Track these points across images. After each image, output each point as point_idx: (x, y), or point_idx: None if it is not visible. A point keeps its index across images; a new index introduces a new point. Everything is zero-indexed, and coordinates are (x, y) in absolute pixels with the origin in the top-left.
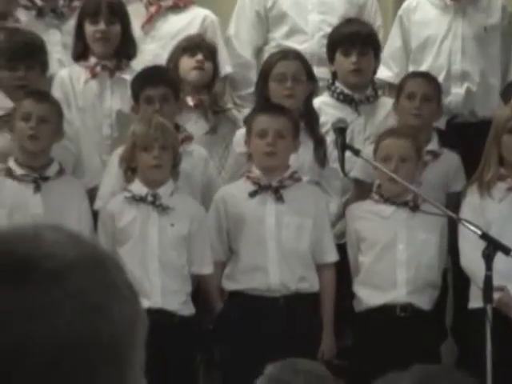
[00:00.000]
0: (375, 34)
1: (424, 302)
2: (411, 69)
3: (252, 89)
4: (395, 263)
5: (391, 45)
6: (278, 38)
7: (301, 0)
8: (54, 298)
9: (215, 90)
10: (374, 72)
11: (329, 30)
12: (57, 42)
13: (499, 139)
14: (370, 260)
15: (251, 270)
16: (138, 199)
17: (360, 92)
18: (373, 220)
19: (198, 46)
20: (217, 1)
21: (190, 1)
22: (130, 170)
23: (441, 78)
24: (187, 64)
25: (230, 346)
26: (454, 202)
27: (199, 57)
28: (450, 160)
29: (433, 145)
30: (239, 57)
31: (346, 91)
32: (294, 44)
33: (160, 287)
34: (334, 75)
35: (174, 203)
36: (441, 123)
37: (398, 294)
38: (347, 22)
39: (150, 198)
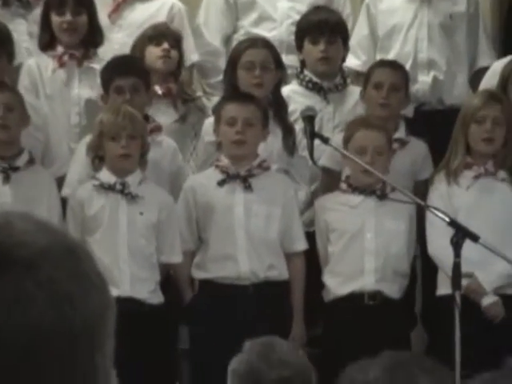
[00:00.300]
0: (344, 22)
1: (393, 290)
2: (378, 57)
3: (221, 77)
4: (363, 252)
5: (358, 33)
6: (247, 26)
7: None
8: (26, 287)
9: (182, 78)
10: (343, 60)
11: (298, 17)
12: (23, 31)
13: (467, 128)
14: (339, 249)
15: (221, 259)
16: (107, 187)
17: (329, 80)
18: (341, 210)
19: (163, 34)
20: None
21: None
22: (98, 158)
23: (408, 66)
24: (153, 53)
25: (201, 334)
26: (421, 189)
27: (165, 45)
28: (418, 148)
29: (400, 133)
30: (208, 45)
31: (315, 79)
32: (263, 31)
33: (129, 275)
34: (303, 63)
35: (143, 192)
36: (408, 111)
37: (365, 282)
38: (315, 9)
39: (118, 187)
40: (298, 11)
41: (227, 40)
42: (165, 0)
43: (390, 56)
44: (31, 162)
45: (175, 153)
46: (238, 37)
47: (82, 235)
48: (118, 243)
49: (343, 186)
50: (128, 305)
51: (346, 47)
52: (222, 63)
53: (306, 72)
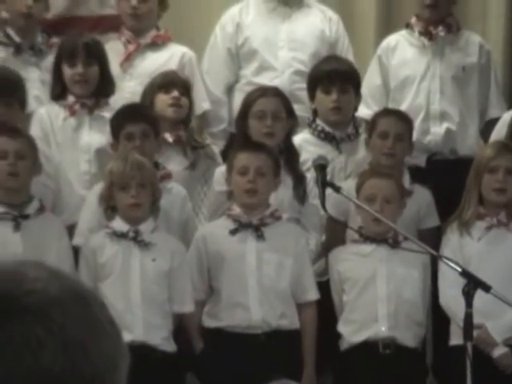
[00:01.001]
0: (355, 70)
1: (407, 338)
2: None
3: (223, 126)
4: (376, 299)
5: (370, 83)
6: (249, 75)
7: (271, 37)
8: (37, 333)
9: (192, 126)
10: (355, 109)
11: (299, 66)
12: (35, 78)
13: (480, 178)
14: (352, 297)
15: (232, 307)
16: (120, 235)
17: (341, 130)
18: (354, 260)
19: (173, 82)
20: (194, 37)
21: (167, 38)
22: (110, 208)
23: (420, 118)
24: (163, 101)
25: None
26: (425, 238)
27: (175, 93)
28: (422, 196)
29: (404, 182)
30: (211, 94)
31: (327, 129)
32: (265, 81)
33: (142, 321)
34: (315, 112)
35: (156, 239)
36: (420, 161)
37: (378, 329)
38: (327, 58)
39: (131, 234)
40: (300, 60)
41: (229, 89)
42: (176, 49)
43: (402, 107)
44: (41, 209)
45: (185, 200)
46: (241, 86)
47: (95, 282)
48: (131, 289)
49: (355, 236)
50: (141, 350)
51: (357, 96)
52: (224, 112)
53: (318, 121)
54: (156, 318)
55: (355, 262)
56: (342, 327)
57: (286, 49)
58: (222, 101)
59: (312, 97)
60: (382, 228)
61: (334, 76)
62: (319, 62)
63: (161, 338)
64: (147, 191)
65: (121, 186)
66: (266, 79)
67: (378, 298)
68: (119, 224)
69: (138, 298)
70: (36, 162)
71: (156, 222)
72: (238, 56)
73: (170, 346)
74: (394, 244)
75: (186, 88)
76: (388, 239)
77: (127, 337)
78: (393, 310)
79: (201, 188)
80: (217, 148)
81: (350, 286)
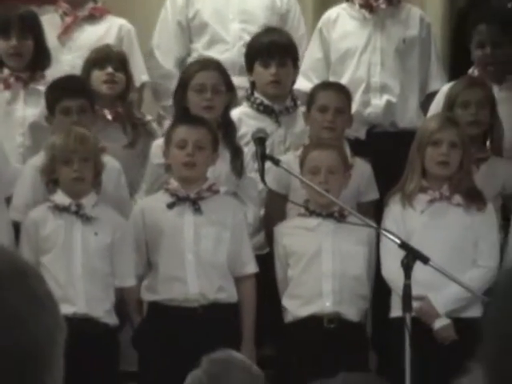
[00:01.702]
0: (294, 43)
1: (352, 313)
2: (331, 80)
3: None
4: (321, 274)
5: (311, 56)
6: (200, 48)
7: (222, 9)
8: None
9: (131, 101)
10: (293, 83)
11: (250, 38)
12: None
13: (423, 151)
14: (297, 272)
15: (170, 281)
16: (62, 209)
17: (279, 103)
18: (299, 234)
19: (107, 58)
20: (134, 10)
21: (105, 11)
22: (52, 181)
23: (360, 90)
24: (98, 77)
25: (149, 357)
26: (365, 211)
27: (109, 69)
28: (362, 169)
29: None
30: (161, 67)
31: (266, 102)
32: (215, 54)
33: (84, 294)
34: (253, 85)
35: (98, 213)
36: (361, 133)
37: (323, 305)
38: (265, 31)
39: (73, 208)
40: (250, 32)
41: (181, 63)
42: (113, 21)
43: (343, 80)
44: None
45: (119, 174)
46: (192, 59)
47: (37, 256)
48: (73, 263)
49: (296, 209)
50: (83, 323)
51: (295, 69)
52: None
53: (256, 94)
54: (98, 291)
55: (301, 237)
56: (286, 301)
57: (236, 21)
58: (174, 74)
59: (250, 69)
60: (327, 199)
61: (273, 49)
62: (257, 34)
63: (103, 311)
64: (90, 165)
65: (63, 159)
66: (216, 52)
67: (322, 273)
68: (61, 198)
69: (79, 272)
70: None
71: (98, 195)
72: (189, 29)
73: (112, 319)
74: (340, 218)
75: (121, 62)
76: (334, 213)
77: (69, 309)
78: (337, 286)
79: (140, 165)
80: (166, 122)
81: (295, 260)
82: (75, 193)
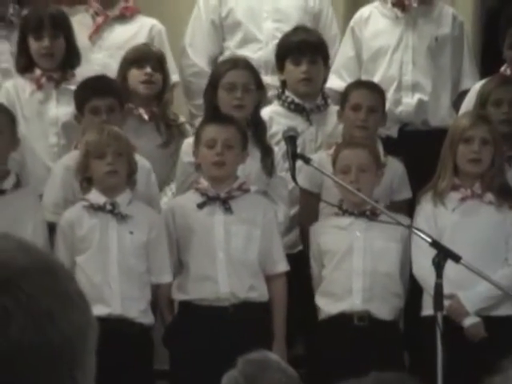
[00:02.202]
0: (324, 41)
1: (383, 311)
2: (363, 79)
3: None
4: (351, 272)
5: (343, 55)
6: (233, 47)
7: (255, 8)
8: (5, 305)
9: (165, 100)
10: (324, 81)
11: None
12: (5, 51)
13: (455, 149)
14: (329, 270)
15: (200, 280)
16: (97, 208)
17: (310, 101)
18: (332, 233)
19: (146, 57)
20: (164, 10)
21: (136, 10)
22: (86, 180)
23: (392, 89)
24: (136, 77)
25: (181, 357)
26: (398, 210)
27: (147, 69)
28: (395, 168)
29: None
30: (194, 66)
31: (297, 100)
32: (249, 52)
33: (119, 294)
34: (284, 84)
35: (133, 211)
36: (392, 131)
37: (353, 302)
38: (296, 30)
39: (108, 207)
40: (283, 32)
41: (213, 61)
42: (144, 21)
43: (375, 79)
44: (18, 184)
45: (149, 174)
46: (224, 58)
47: (72, 255)
48: (109, 262)
49: (329, 208)
50: (118, 324)
51: (326, 67)
52: None
53: (287, 93)
54: (134, 291)
55: (333, 235)
56: (319, 299)
57: (270, 20)
58: (206, 73)
59: (281, 68)
60: (359, 198)
61: (303, 47)
62: (288, 33)
63: (138, 311)
64: (123, 160)
65: (97, 154)
66: (249, 51)
67: (353, 271)
68: (96, 196)
69: (115, 272)
70: (13, 137)
71: (132, 193)
72: (222, 27)
73: (148, 318)
74: (372, 216)
75: (159, 62)
76: (366, 211)
77: (105, 310)
78: (368, 284)
79: (173, 165)
80: (198, 120)
81: (329, 259)
82: (109, 188)
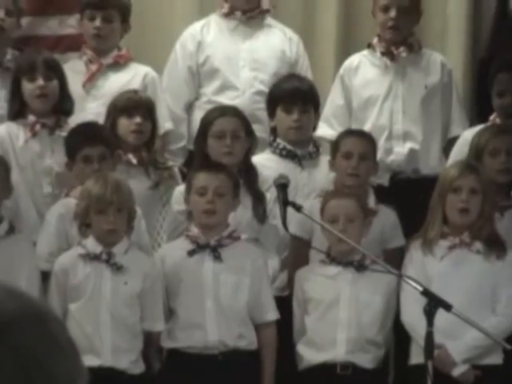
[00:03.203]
0: (315, 89)
1: (366, 360)
2: (354, 127)
3: (182, 143)
4: (336, 322)
5: (333, 103)
6: (210, 94)
7: (232, 56)
8: None
9: (155, 148)
10: (314, 128)
11: (260, 86)
12: (1, 97)
13: (444, 198)
14: (314, 319)
15: (189, 328)
16: (92, 257)
17: (302, 148)
18: (318, 281)
19: (136, 106)
20: (155, 56)
21: (129, 58)
22: (85, 225)
23: (383, 138)
24: (126, 126)
25: None
26: (391, 258)
27: (137, 119)
28: (387, 216)
29: (369, 202)
30: (170, 111)
31: (289, 147)
32: (226, 100)
33: (110, 345)
34: (274, 130)
35: (128, 261)
36: (384, 180)
37: (337, 353)
38: (288, 77)
39: (104, 257)
40: (261, 80)
41: (189, 107)
42: (138, 69)
43: (366, 127)
44: (11, 230)
45: (139, 219)
46: (200, 104)
47: (65, 303)
48: (101, 313)
49: (319, 254)
50: (109, 375)
51: (316, 115)
52: (184, 130)
53: (278, 140)
54: (125, 342)
55: (320, 284)
56: (301, 348)
57: (247, 68)
58: (182, 118)
59: (271, 115)
60: (347, 247)
61: (295, 95)
62: (280, 80)
63: (129, 362)
64: (124, 215)
65: (98, 209)
66: (227, 98)
67: (338, 322)
68: (92, 245)
69: (107, 322)
70: (7, 185)
71: (129, 241)
72: (199, 74)
73: (138, 368)
74: (360, 267)
75: (149, 110)
76: (354, 262)
77: (95, 361)
78: (352, 335)
79: (162, 208)
80: (175, 166)
81: (313, 307)
82: (108, 243)
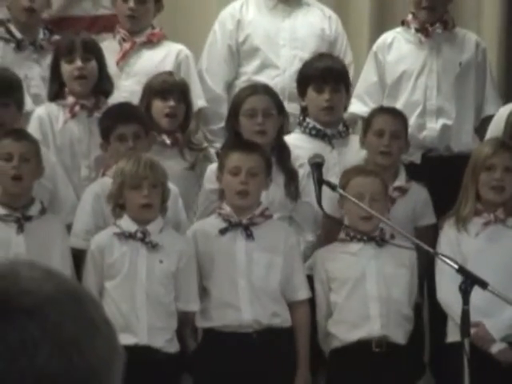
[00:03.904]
0: (346, 70)
1: (399, 335)
2: (387, 104)
3: (223, 123)
4: (367, 298)
5: (366, 80)
6: (250, 73)
7: (273, 35)
8: (32, 333)
9: (190, 129)
10: (345, 108)
11: (300, 65)
12: (36, 75)
13: (477, 176)
14: (343, 297)
15: (223, 307)
16: (127, 236)
17: (332, 128)
18: (341, 259)
19: (170, 90)
20: (190, 35)
21: (163, 36)
22: (119, 206)
23: (416, 114)
24: (160, 109)
25: (206, 383)
26: (423, 235)
27: (171, 102)
28: (418, 194)
29: (400, 180)
30: (210, 91)
31: (318, 126)
32: (266, 79)
33: (146, 324)
34: (304, 110)
35: (163, 240)
36: (416, 157)
37: (371, 329)
38: (319, 56)
39: (139, 235)
40: (301, 59)
41: (229, 86)
42: (171, 46)
43: (399, 104)
44: (43, 211)
45: (176, 199)
46: (240, 83)
47: (102, 281)
48: (137, 291)
49: (342, 235)
50: (144, 353)
51: (347, 95)
52: (224, 110)
53: (308, 119)
54: (160, 321)
55: (343, 261)
56: (332, 327)
57: (287, 47)
58: (222, 98)
59: (302, 94)
60: (370, 226)
61: (327, 75)
62: (311, 60)
63: (164, 341)
64: (159, 191)
65: (133, 185)
66: (267, 77)
67: (368, 297)
68: (127, 223)
69: (143, 301)
70: (39, 165)
71: (164, 220)
72: (239, 53)
73: (174, 347)
74: (382, 242)
75: (183, 93)
76: (375, 237)
77: (131, 340)
78: (385, 309)
79: (198, 189)
80: (216, 145)
81: (339, 285)
82: (143, 219)
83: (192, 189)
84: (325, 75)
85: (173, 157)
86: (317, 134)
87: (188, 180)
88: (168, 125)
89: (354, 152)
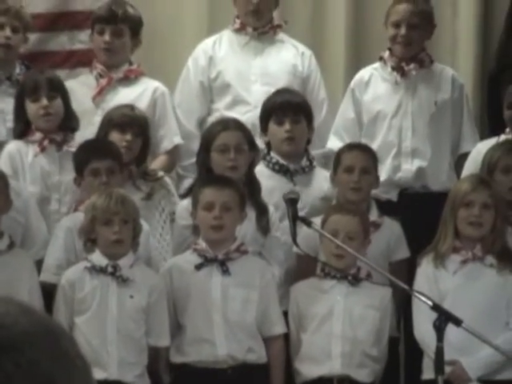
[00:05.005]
0: (307, 103)
1: (362, 375)
2: (363, 142)
3: (194, 159)
4: (331, 336)
5: (343, 116)
6: (222, 109)
7: (244, 71)
8: (6, 370)
9: (145, 164)
10: (308, 142)
11: None
12: (12, 110)
13: (456, 212)
14: (309, 333)
15: (198, 343)
16: (98, 270)
17: (295, 162)
18: (313, 295)
19: (128, 123)
20: (166, 70)
21: (140, 72)
22: (90, 240)
23: (391, 155)
24: (116, 141)
25: None
26: (397, 270)
27: (128, 136)
28: (391, 229)
29: (372, 215)
30: (183, 127)
31: (281, 161)
32: (237, 114)
33: (117, 359)
34: (268, 145)
35: (134, 275)
36: (392, 195)
37: (332, 367)
38: (278, 92)
39: (110, 269)
40: None
41: (202, 122)
42: (148, 83)
43: (375, 143)
44: (11, 245)
45: (147, 236)
46: (212, 119)
47: (72, 316)
48: (107, 326)
49: (318, 271)
50: None
51: (310, 128)
52: (196, 146)
53: (272, 154)
54: (131, 356)
55: (314, 298)
56: (298, 363)
57: (258, 83)
58: (194, 134)
59: (265, 129)
60: (342, 264)
61: (286, 107)
62: (270, 96)
63: (134, 376)
64: (130, 227)
65: (104, 221)
66: (238, 113)
67: (332, 335)
68: (98, 258)
69: (113, 336)
70: (7, 199)
71: (135, 256)
72: (211, 89)
73: (144, 382)
74: (354, 281)
75: (141, 128)
76: (348, 276)
77: (101, 375)
78: (347, 349)
79: (159, 216)
80: (186, 182)
81: (308, 322)
82: (114, 254)
83: (153, 217)
84: (284, 107)
85: (127, 189)
86: (279, 170)
87: (147, 209)
88: (124, 156)
89: (318, 188)
